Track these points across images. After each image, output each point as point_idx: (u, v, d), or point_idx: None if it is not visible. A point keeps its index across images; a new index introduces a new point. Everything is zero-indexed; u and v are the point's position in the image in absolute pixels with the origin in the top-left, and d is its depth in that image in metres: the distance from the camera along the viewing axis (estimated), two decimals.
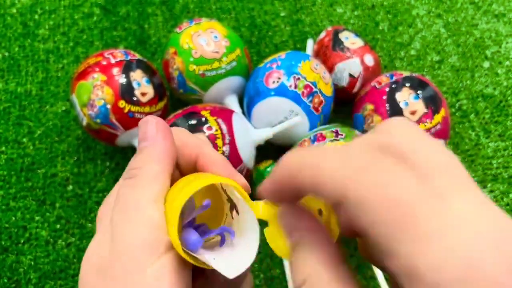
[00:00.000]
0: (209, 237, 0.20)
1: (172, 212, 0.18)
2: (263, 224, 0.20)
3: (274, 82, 0.41)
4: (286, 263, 0.41)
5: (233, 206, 0.20)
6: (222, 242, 0.20)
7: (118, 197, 0.19)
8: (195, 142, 0.22)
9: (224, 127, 0.38)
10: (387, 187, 0.14)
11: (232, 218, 0.20)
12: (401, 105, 0.40)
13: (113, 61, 0.41)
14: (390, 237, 0.13)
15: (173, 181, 0.20)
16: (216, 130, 0.38)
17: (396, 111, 0.40)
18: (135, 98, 0.41)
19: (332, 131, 0.39)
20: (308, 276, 0.16)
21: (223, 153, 0.38)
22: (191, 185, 0.18)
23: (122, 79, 0.41)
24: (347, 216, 0.15)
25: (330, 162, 0.15)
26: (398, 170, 0.14)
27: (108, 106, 0.40)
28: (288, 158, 0.17)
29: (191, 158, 0.22)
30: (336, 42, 0.46)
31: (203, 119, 0.38)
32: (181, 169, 0.22)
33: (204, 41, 0.42)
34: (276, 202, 0.19)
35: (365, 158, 0.15)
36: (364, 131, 0.42)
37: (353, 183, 0.14)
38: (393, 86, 0.41)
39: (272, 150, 0.47)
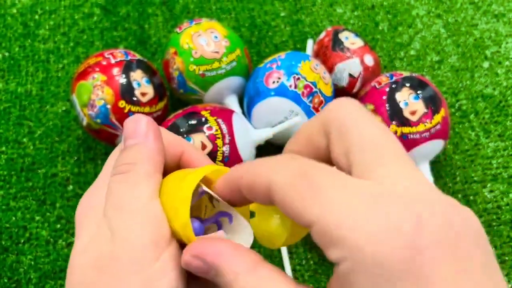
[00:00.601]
0: (207, 226, 0.20)
1: (180, 202, 0.18)
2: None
3: (274, 82, 0.41)
4: (286, 263, 0.41)
5: (212, 197, 0.20)
6: (219, 228, 0.20)
7: (110, 193, 0.19)
8: (178, 140, 0.23)
9: (224, 127, 0.38)
10: (304, 170, 0.16)
11: (213, 206, 0.21)
12: (401, 105, 0.40)
13: (113, 61, 0.42)
14: (301, 207, 0.15)
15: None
16: (216, 130, 0.38)
17: (396, 111, 0.40)
18: (135, 98, 0.41)
19: None
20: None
21: (223, 153, 0.38)
22: (194, 174, 0.19)
23: (122, 79, 0.41)
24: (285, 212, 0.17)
25: (263, 165, 0.17)
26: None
27: (108, 106, 0.40)
28: (235, 168, 0.19)
29: (176, 155, 0.22)
30: (336, 42, 0.46)
31: (203, 119, 0.38)
32: (165, 167, 0.22)
33: (204, 41, 0.43)
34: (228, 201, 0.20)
35: (286, 156, 0.18)
36: None
37: (275, 175, 0.16)
38: (393, 86, 0.41)
39: (272, 150, 0.47)
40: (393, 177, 0.16)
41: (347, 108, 0.18)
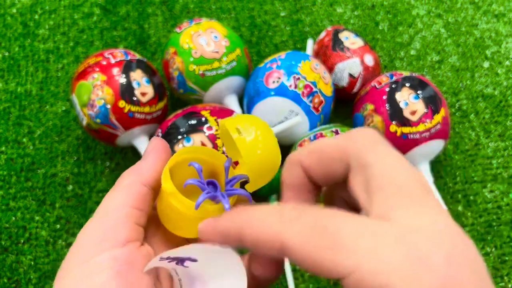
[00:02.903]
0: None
1: (164, 178, 0.20)
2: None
3: (274, 82, 0.41)
4: (286, 263, 0.41)
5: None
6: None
7: None
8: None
9: None
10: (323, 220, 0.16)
11: None
12: (401, 105, 0.40)
13: (113, 61, 0.42)
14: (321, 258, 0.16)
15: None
16: (216, 130, 0.38)
17: (396, 111, 0.40)
18: (135, 98, 0.41)
19: (332, 131, 0.39)
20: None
21: (223, 153, 0.38)
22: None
23: (122, 79, 0.41)
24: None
25: (268, 221, 0.17)
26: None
27: (108, 106, 0.40)
28: (229, 216, 0.19)
29: None
30: (336, 42, 0.46)
31: (203, 119, 0.38)
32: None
33: (204, 41, 0.42)
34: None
35: (297, 209, 0.17)
36: None
37: (287, 234, 0.16)
38: (393, 86, 0.41)
39: None
40: (413, 217, 0.16)
41: (369, 140, 0.18)
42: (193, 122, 0.38)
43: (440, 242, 0.15)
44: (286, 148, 0.44)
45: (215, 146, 0.37)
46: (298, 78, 0.41)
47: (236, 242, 0.18)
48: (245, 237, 0.18)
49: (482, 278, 0.15)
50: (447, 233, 0.15)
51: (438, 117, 0.40)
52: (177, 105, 0.45)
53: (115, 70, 0.41)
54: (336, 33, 0.47)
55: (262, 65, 0.43)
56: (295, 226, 0.16)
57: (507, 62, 0.52)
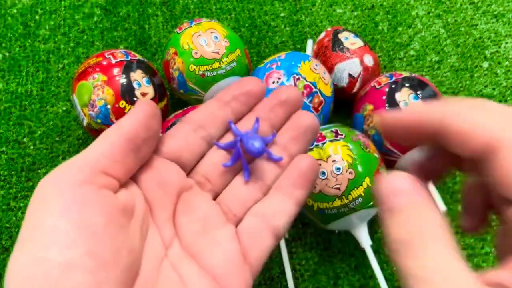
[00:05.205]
0: None
1: None
2: None
3: (274, 82, 0.41)
4: (286, 263, 0.41)
5: None
6: None
7: None
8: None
9: None
10: None
11: None
12: (401, 105, 0.40)
13: (113, 61, 0.42)
14: None
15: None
16: None
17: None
18: (135, 99, 0.41)
19: (332, 131, 0.39)
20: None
21: None
22: None
23: (123, 79, 0.41)
24: (496, 173, 0.16)
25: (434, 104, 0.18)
26: None
27: (109, 106, 0.40)
28: (434, 104, 0.18)
29: None
30: (336, 42, 0.46)
31: None
32: None
33: (204, 41, 0.43)
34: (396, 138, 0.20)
35: None
36: (364, 131, 0.42)
37: (450, 106, 0.17)
38: (392, 86, 0.41)
39: None
40: None
41: None
42: None
43: None
44: None
45: None
46: (298, 79, 0.41)
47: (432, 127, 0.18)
48: (411, 118, 0.18)
49: None
50: None
51: None
52: (178, 106, 0.45)
53: (116, 71, 0.41)
54: (335, 33, 0.47)
55: (262, 65, 0.44)
56: (455, 103, 0.17)
57: (506, 63, 0.53)
